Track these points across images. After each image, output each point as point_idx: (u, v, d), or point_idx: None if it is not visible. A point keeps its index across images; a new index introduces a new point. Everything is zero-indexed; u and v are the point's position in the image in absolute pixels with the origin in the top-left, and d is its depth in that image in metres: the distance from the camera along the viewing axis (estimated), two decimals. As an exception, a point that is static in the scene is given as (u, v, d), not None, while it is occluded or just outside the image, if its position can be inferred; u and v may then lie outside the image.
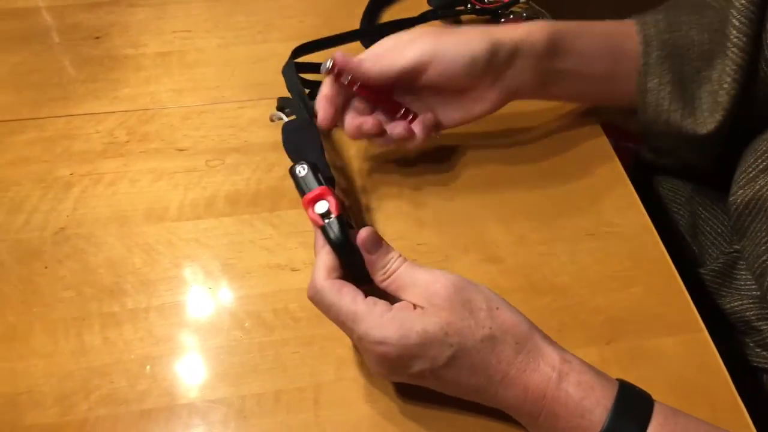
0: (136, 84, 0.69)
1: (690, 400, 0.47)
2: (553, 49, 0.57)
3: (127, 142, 0.64)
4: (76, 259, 0.55)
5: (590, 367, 0.43)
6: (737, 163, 0.58)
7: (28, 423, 0.46)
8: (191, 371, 0.49)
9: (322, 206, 0.47)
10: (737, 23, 0.55)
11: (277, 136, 0.64)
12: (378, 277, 0.45)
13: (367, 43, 0.71)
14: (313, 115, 0.57)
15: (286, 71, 0.63)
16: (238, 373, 0.49)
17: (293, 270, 0.54)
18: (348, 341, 0.50)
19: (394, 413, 0.47)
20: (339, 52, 0.55)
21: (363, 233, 0.45)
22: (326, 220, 0.46)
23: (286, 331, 0.51)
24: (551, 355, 0.42)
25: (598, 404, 0.41)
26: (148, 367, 0.49)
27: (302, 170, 0.49)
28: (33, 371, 0.49)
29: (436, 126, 0.58)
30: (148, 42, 0.73)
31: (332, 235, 0.46)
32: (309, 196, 0.47)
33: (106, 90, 0.68)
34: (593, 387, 0.41)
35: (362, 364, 0.49)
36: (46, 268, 0.54)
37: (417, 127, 0.57)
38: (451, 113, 0.59)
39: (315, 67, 0.63)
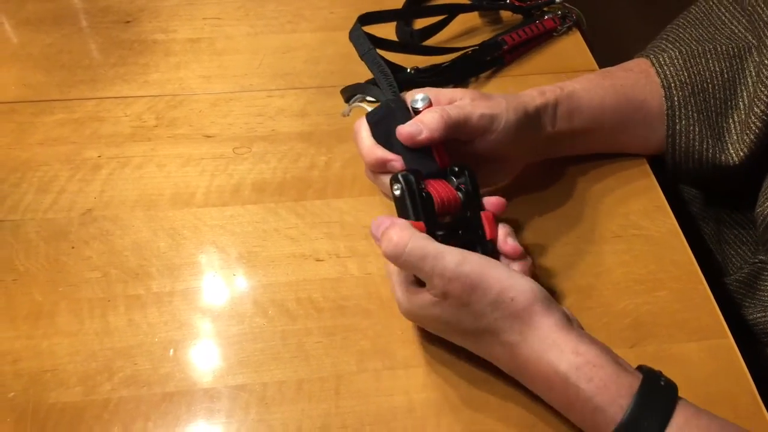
0: (165, 69, 0.69)
1: (713, 406, 0.46)
2: (564, 113, 0.56)
3: (156, 126, 0.64)
4: (103, 241, 0.55)
5: (609, 359, 0.42)
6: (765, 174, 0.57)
7: (51, 401, 0.47)
8: (214, 356, 0.49)
9: None
10: None
11: (304, 126, 0.64)
12: None
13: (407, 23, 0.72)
14: (399, 97, 0.51)
15: (367, 55, 0.56)
16: (260, 360, 0.49)
17: (317, 260, 0.54)
18: (371, 332, 0.50)
19: (414, 406, 0.47)
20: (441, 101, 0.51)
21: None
22: None
23: (309, 321, 0.51)
24: (566, 344, 0.42)
25: (613, 403, 0.40)
26: (171, 350, 0.49)
27: (398, 189, 0.46)
28: (57, 350, 0.49)
29: None
30: (178, 28, 0.73)
31: None
32: None
33: (135, 74, 0.68)
34: (608, 385, 0.41)
35: (384, 357, 0.49)
36: (72, 248, 0.55)
37: None
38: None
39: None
